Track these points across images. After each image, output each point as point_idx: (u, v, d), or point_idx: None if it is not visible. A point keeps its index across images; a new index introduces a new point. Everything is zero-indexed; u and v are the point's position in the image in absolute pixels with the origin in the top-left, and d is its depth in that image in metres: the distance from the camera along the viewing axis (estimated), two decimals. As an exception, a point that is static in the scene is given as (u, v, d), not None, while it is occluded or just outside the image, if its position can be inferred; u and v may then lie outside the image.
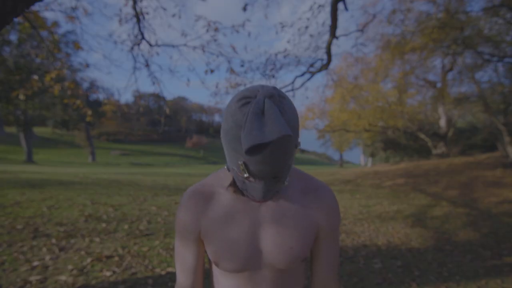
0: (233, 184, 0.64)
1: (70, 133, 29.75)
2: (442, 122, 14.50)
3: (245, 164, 0.50)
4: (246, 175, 0.52)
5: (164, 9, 4.71)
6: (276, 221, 0.65)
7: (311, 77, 6.37)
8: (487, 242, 3.83)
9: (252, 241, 0.65)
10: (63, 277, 2.33)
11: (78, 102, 5.26)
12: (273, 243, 0.65)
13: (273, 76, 6.18)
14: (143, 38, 4.59)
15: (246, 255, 0.65)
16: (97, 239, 3.21)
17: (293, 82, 6.38)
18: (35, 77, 5.55)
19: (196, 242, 0.68)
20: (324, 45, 6.20)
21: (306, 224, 0.66)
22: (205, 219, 0.66)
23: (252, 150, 0.46)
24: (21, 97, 5.01)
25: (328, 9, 5.44)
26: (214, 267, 0.75)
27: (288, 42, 6.41)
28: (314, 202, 0.67)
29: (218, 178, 0.69)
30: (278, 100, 0.49)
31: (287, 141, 0.49)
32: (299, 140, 0.56)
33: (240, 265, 0.65)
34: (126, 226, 3.75)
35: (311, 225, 0.67)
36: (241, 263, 0.65)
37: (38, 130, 30.60)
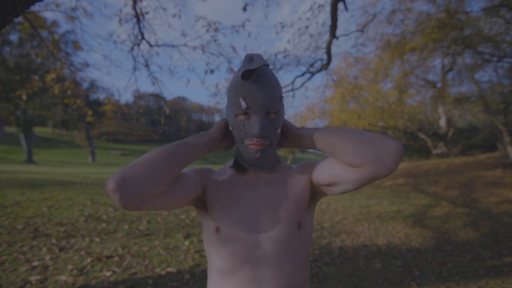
0: (235, 164, 0.77)
1: (70, 133, 29.73)
2: (442, 122, 14.50)
3: (244, 98, 0.66)
4: (245, 106, 0.66)
5: (164, 9, 4.71)
6: (273, 193, 0.75)
7: (311, 77, 6.36)
8: (487, 242, 3.83)
9: (252, 209, 0.73)
10: (63, 277, 2.33)
11: (78, 102, 5.25)
12: (270, 209, 0.73)
13: None
14: (143, 38, 4.58)
15: (245, 224, 0.72)
16: (97, 239, 3.21)
17: (293, 82, 6.37)
18: (36, 77, 5.54)
19: (194, 181, 0.73)
20: (324, 45, 6.20)
21: (298, 188, 0.76)
22: (211, 185, 0.76)
23: (245, 74, 0.63)
24: (24, 97, 5.02)
25: (328, 9, 5.44)
26: (210, 254, 0.77)
27: (288, 42, 6.40)
28: (300, 170, 0.80)
29: (225, 166, 0.84)
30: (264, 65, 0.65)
31: (271, 77, 0.68)
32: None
33: (240, 228, 0.71)
34: (126, 226, 3.75)
35: (302, 186, 0.76)
36: (241, 226, 0.72)
37: (38, 130, 30.56)
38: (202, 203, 0.77)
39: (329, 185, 0.70)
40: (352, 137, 0.61)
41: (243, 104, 0.66)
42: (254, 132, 0.66)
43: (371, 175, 0.59)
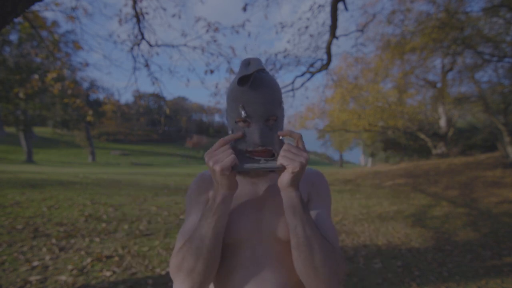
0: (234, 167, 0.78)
1: (70, 133, 29.74)
2: (442, 122, 14.50)
3: (243, 106, 0.66)
4: (244, 114, 0.66)
5: (164, 9, 4.71)
6: (274, 198, 0.74)
7: (311, 77, 6.36)
8: (487, 242, 3.83)
9: (254, 213, 0.73)
10: (63, 277, 2.33)
11: (78, 101, 5.25)
12: (272, 213, 0.73)
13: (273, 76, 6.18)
14: (143, 38, 4.58)
15: (248, 223, 0.72)
16: (97, 239, 3.21)
17: (293, 82, 6.37)
18: (36, 76, 5.54)
19: (202, 208, 0.75)
20: (324, 45, 6.20)
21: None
22: (211, 194, 0.75)
23: (241, 80, 0.63)
24: (21, 95, 5.02)
25: (328, 9, 5.44)
26: None
27: (288, 42, 6.40)
28: (305, 178, 0.79)
29: None
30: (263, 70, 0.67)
31: (270, 82, 0.68)
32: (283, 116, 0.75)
33: (243, 232, 0.71)
34: (126, 226, 3.75)
35: (303, 192, 0.76)
36: (244, 230, 0.72)
37: (38, 130, 30.57)
38: None
39: None
40: (308, 280, 0.63)
41: (242, 113, 0.66)
42: (254, 141, 0.66)
43: None
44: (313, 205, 0.76)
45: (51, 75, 4.63)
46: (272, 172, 0.78)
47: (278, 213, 0.72)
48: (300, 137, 0.65)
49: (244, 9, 4.75)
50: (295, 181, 0.63)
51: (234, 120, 0.69)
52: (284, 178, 0.63)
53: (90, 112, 5.49)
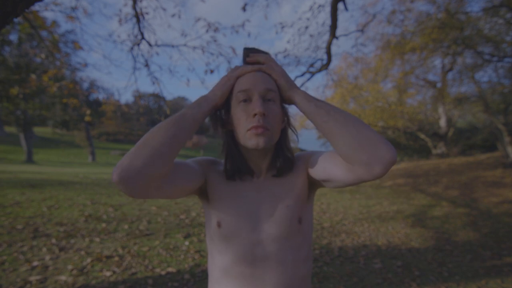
0: (225, 170, 0.77)
1: (70, 133, 29.73)
2: (442, 122, 14.50)
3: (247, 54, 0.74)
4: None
5: (164, 9, 4.71)
6: (273, 190, 0.75)
7: (311, 77, 6.36)
8: (487, 242, 3.83)
9: (253, 205, 0.74)
10: (63, 277, 2.33)
11: (75, 101, 5.25)
12: (271, 205, 0.73)
13: None
14: (143, 38, 4.58)
15: (247, 216, 0.72)
16: (97, 239, 3.21)
17: (293, 82, 6.36)
18: (33, 76, 5.54)
19: (195, 172, 0.73)
20: (324, 45, 6.20)
21: (297, 182, 0.76)
22: (213, 177, 0.77)
23: (249, 49, 0.73)
24: (15, 92, 5.02)
25: (328, 9, 5.44)
26: (212, 257, 0.77)
27: (288, 42, 6.40)
28: (297, 163, 0.79)
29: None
30: None
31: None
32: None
33: (241, 224, 0.71)
34: (126, 226, 3.75)
35: (301, 180, 0.76)
36: (242, 222, 0.72)
37: (38, 130, 30.53)
38: (205, 195, 0.77)
39: (323, 180, 0.72)
40: (353, 131, 0.59)
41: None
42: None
43: (358, 178, 0.61)
44: (317, 157, 0.74)
45: (47, 75, 4.62)
46: (273, 174, 0.77)
47: (277, 212, 0.72)
48: (267, 58, 0.74)
49: (244, 9, 4.75)
50: (287, 83, 0.73)
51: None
52: (281, 89, 0.74)
53: (89, 112, 5.48)
